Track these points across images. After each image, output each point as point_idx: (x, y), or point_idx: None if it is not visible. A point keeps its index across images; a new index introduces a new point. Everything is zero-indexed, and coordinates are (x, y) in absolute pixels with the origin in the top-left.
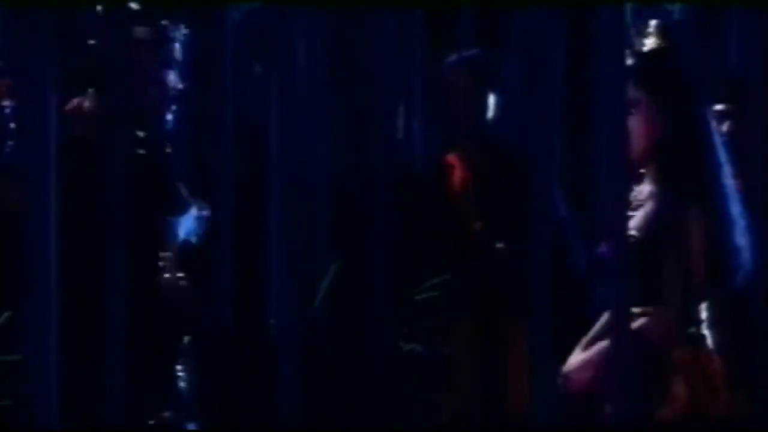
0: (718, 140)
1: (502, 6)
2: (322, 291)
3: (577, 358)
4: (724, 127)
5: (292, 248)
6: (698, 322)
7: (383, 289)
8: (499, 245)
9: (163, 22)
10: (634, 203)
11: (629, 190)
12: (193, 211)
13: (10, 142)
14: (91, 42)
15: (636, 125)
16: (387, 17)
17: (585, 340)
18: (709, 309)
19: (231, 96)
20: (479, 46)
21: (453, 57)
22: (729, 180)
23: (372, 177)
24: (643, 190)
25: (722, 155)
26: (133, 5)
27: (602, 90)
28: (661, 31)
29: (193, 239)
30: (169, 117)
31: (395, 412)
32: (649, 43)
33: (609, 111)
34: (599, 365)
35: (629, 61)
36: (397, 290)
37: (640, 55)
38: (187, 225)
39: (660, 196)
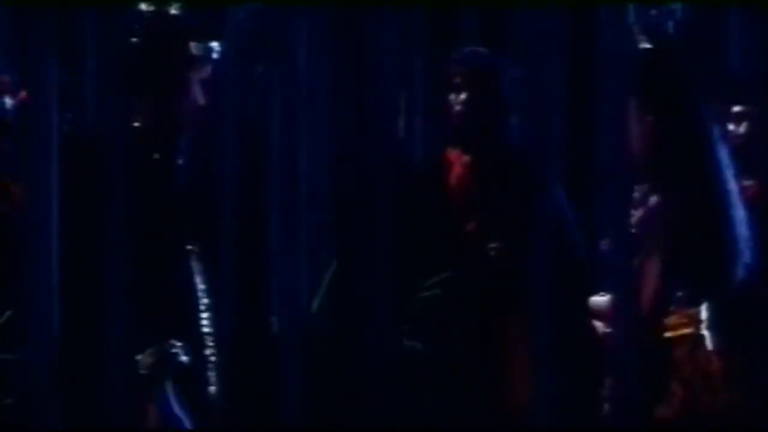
0: (718, 140)
1: (503, 6)
2: (322, 290)
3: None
4: (741, 129)
5: (292, 248)
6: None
7: (383, 287)
8: (500, 243)
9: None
10: (634, 202)
11: (631, 188)
12: None
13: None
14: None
15: (633, 126)
16: (388, 16)
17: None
18: (709, 309)
19: (231, 96)
20: (480, 45)
21: (452, 54)
22: (730, 177)
23: (372, 176)
24: (642, 189)
25: (723, 155)
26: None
27: (603, 90)
28: (655, 32)
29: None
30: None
31: (395, 412)
32: (644, 44)
33: (610, 110)
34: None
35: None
36: (398, 289)
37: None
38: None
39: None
